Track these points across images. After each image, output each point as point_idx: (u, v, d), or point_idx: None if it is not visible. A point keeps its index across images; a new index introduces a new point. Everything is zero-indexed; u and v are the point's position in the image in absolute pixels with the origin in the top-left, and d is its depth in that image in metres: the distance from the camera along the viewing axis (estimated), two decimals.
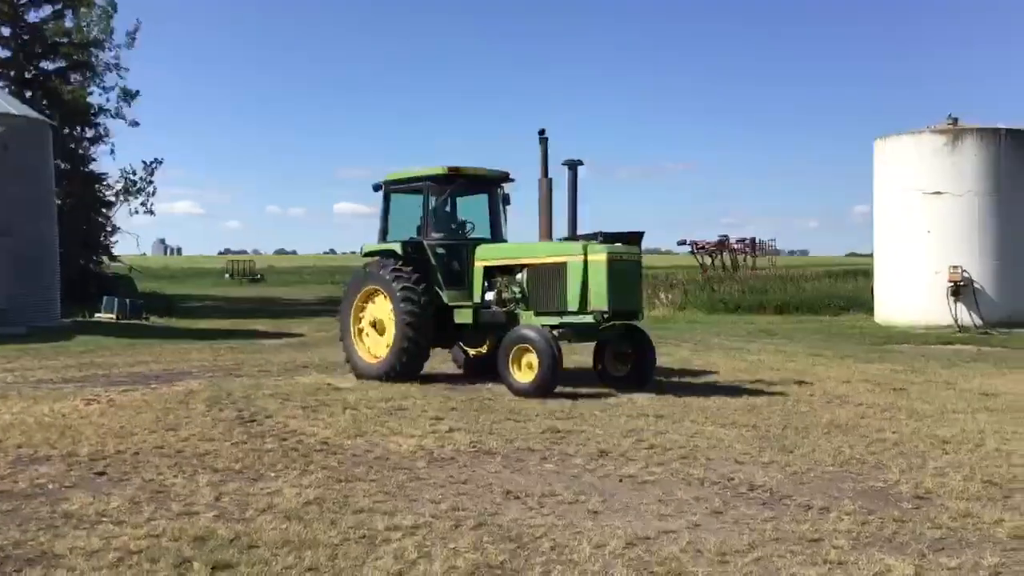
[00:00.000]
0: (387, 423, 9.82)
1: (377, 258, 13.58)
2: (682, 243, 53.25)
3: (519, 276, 12.83)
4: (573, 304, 12.11)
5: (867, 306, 28.80)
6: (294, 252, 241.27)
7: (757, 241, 58.39)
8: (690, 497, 6.98)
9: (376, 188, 14.13)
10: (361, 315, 13.65)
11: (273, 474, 7.51)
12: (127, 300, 29.34)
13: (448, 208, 14.00)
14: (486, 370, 13.44)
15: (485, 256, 13.31)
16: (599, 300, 11.90)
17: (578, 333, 12.36)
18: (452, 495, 6.95)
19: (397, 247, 13.35)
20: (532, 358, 11.64)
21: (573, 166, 12.84)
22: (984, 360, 17.32)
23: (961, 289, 24.01)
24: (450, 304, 13.17)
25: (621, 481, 7.48)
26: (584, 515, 6.47)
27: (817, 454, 8.47)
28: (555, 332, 12.03)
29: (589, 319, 11.99)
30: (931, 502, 6.86)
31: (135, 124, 41.76)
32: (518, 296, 12.78)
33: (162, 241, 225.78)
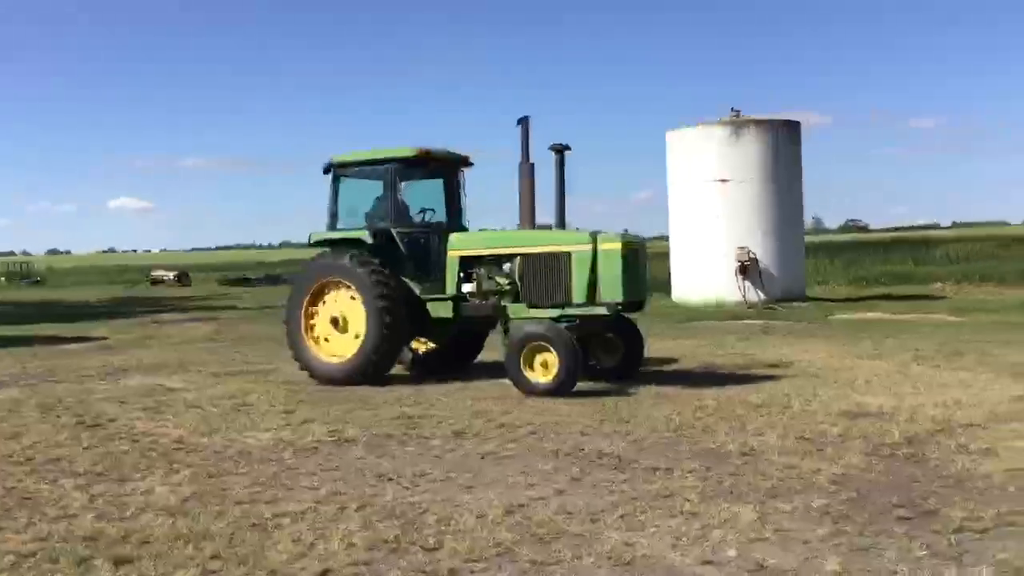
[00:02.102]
0: (237, 419, 9.86)
1: (328, 248, 12.65)
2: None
3: (506, 266, 12.09)
4: (579, 296, 11.47)
5: (664, 287, 30.70)
6: (68, 252, 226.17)
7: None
8: (549, 468, 7.56)
9: (326, 170, 13.02)
10: (314, 311, 12.59)
11: (139, 475, 7.49)
12: None
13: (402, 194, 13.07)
14: (437, 368, 13.04)
15: (461, 245, 12.42)
16: (612, 291, 11.34)
17: (583, 326, 11.55)
18: (327, 481, 7.21)
19: (365, 235, 12.34)
20: (548, 356, 10.91)
21: (560, 151, 12.13)
22: (772, 333, 19.02)
23: (747, 268, 26.12)
24: (423, 297, 12.33)
25: (483, 458, 7.97)
26: (458, 490, 6.92)
27: (651, 422, 9.28)
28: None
29: (601, 311, 11.42)
30: (757, 458, 7.75)
31: None
32: (506, 288, 12.04)
33: None
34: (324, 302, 12.52)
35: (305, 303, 12.55)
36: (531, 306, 11.85)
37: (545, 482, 7.10)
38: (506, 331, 12.06)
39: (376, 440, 8.74)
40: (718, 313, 24.15)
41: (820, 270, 37.65)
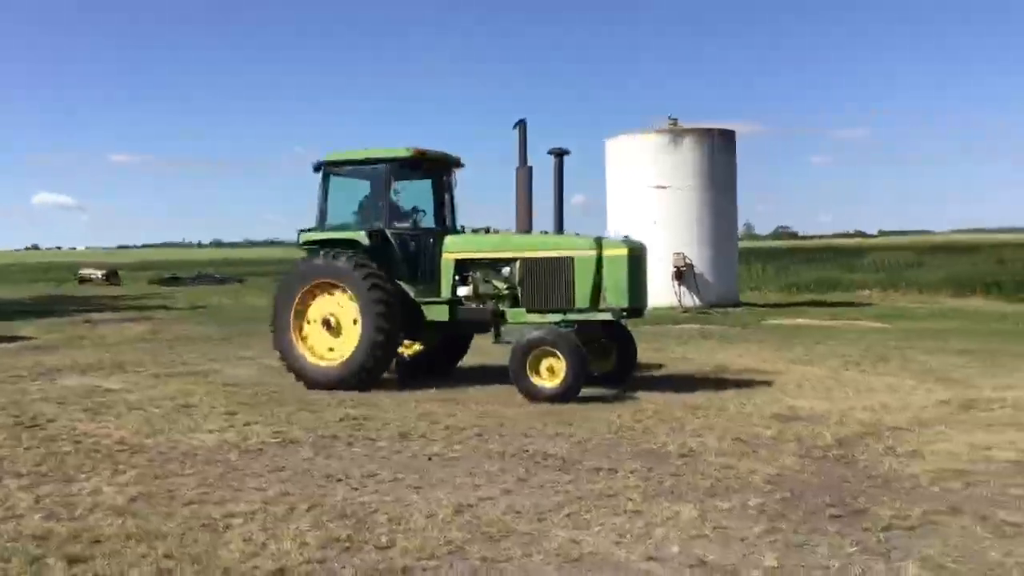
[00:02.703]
0: (180, 420, 9.82)
1: (318, 248, 12.28)
2: None
3: (504, 270, 12.06)
4: (582, 301, 11.48)
5: None
6: None
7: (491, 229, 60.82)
8: (495, 468, 7.72)
9: (316, 168, 12.65)
10: (305, 312, 12.23)
11: (83, 475, 7.45)
12: None
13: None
14: (425, 372, 12.83)
15: (457, 248, 12.31)
16: (618, 296, 11.40)
17: (581, 331, 11.39)
18: (275, 482, 7.26)
19: (361, 236, 12.03)
20: (555, 362, 10.88)
21: (560, 155, 12.13)
22: (709, 337, 19.45)
23: (683, 273, 26.63)
24: (418, 300, 12.11)
25: (430, 459, 8.09)
26: (407, 490, 7.03)
27: (593, 424, 9.50)
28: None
29: (606, 316, 11.45)
30: (696, 458, 8.01)
31: None
32: (504, 292, 11.99)
33: None
34: (315, 304, 12.20)
35: (295, 304, 12.19)
36: (531, 310, 11.82)
37: (492, 483, 7.26)
38: (497, 335, 12.12)
39: (322, 442, 8.80)
40: (655, 318, 24.52)
41: (753, 276, 38.47)
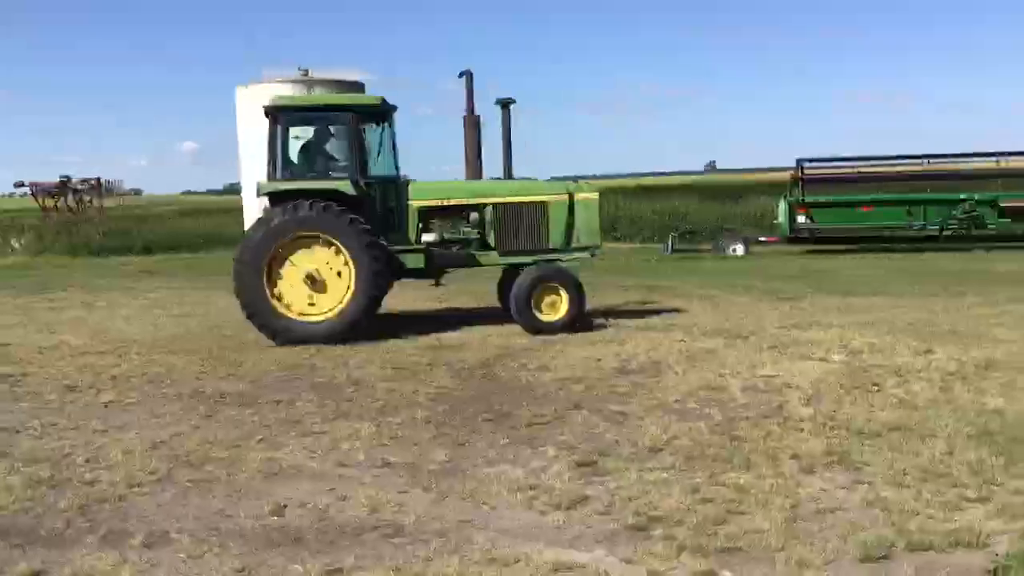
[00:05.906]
0: None
1: (287, 201, 11.50)
2: (20, 185, 49.62)
3: (473, 216, 12.52)
4: (557, 242, 12.48)
5: (236, 240, 30.79)
6: None
7: (103, 181, 56.84)
8: (177, 409, 8.16)
9: (266, 113, 11.94)
10: (279, 269, 11.51)
11: None
12: None
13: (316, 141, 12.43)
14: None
15: (423, 196, 12.45)
16: (592, 237, 12.63)
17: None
18: None
19: (347, 186, 11.61)
20: (555, 298, 11.86)
21: (506, 105, 12.46)
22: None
23: None
24: (392, 249, 11.95)
25: (106, 407, 8.32)
26: (95, 435, 7.31)
27: (263, 365, 10.13)
28: None
29: (583, 255, 12.66)
30: (364, 386, 8.96)
31: None
32: (473, 236, 12.54)
33: None
34: (292, 258, 11.59)
35: (268, 260, 11.48)
36: (504, 253, 12.55)
37: (178, 421, 7.72)
38: (437, 281, 12.80)
39: None
40: None
41: None
